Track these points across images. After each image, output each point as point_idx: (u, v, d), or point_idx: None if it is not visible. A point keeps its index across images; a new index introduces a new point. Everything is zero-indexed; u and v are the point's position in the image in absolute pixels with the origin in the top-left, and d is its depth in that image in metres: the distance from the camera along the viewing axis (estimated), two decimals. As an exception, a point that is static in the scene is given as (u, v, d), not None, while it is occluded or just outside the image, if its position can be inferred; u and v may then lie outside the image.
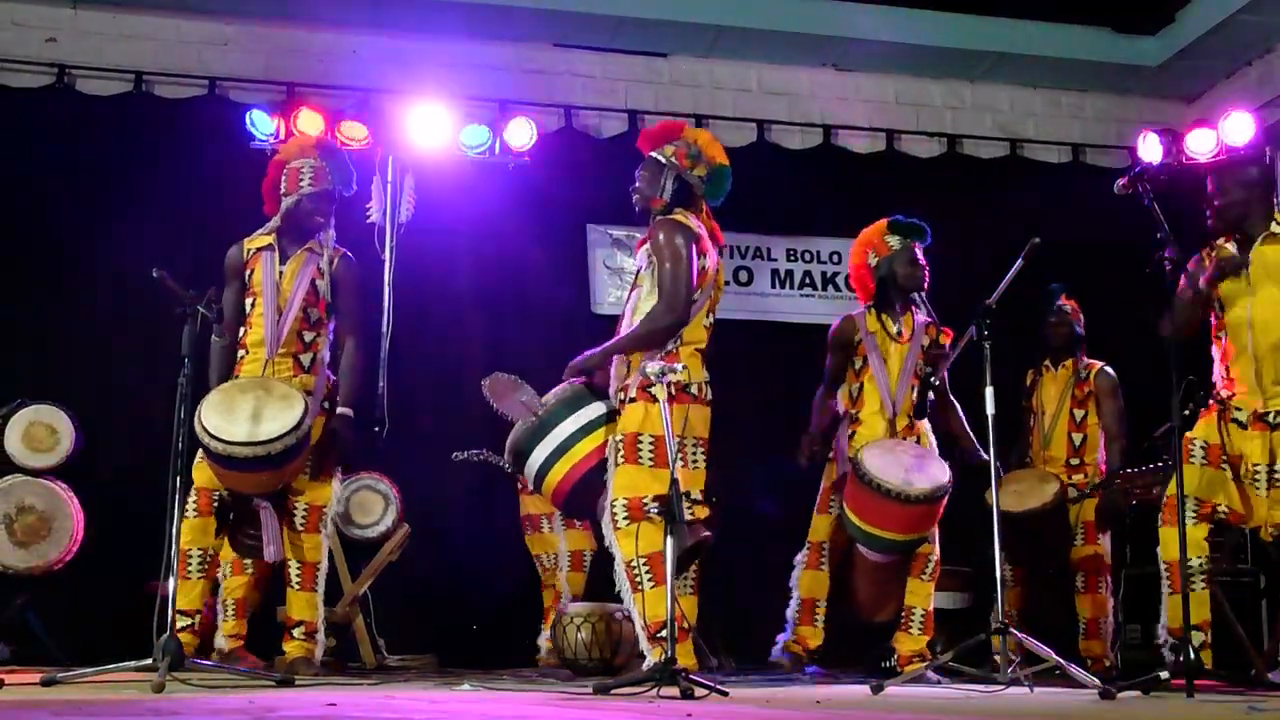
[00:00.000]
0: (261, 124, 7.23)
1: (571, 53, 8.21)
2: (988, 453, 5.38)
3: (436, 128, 7.48)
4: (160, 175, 7.28)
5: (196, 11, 7.72)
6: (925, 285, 5.94)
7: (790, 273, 8.18)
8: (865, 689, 4.84)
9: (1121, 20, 8.27)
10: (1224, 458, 4.94)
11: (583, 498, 4.92)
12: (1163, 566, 5.02)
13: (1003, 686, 4.85)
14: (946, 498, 5.50)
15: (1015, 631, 4.91)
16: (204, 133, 7.31)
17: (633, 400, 4.79)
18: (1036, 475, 6.38)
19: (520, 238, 7.60)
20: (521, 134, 7.56)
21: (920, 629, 5.72)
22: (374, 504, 6.41)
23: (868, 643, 6.35)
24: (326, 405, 5.36)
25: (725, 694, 4.30)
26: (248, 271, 5.40)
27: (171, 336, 4.78)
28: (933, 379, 5.68)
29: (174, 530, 4.59)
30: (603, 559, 5.41)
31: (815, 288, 8.18)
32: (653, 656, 4.74)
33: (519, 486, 6.38)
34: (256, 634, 5.79)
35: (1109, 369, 6.57)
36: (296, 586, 5.31)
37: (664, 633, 4.47)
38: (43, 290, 7.12)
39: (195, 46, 7.73)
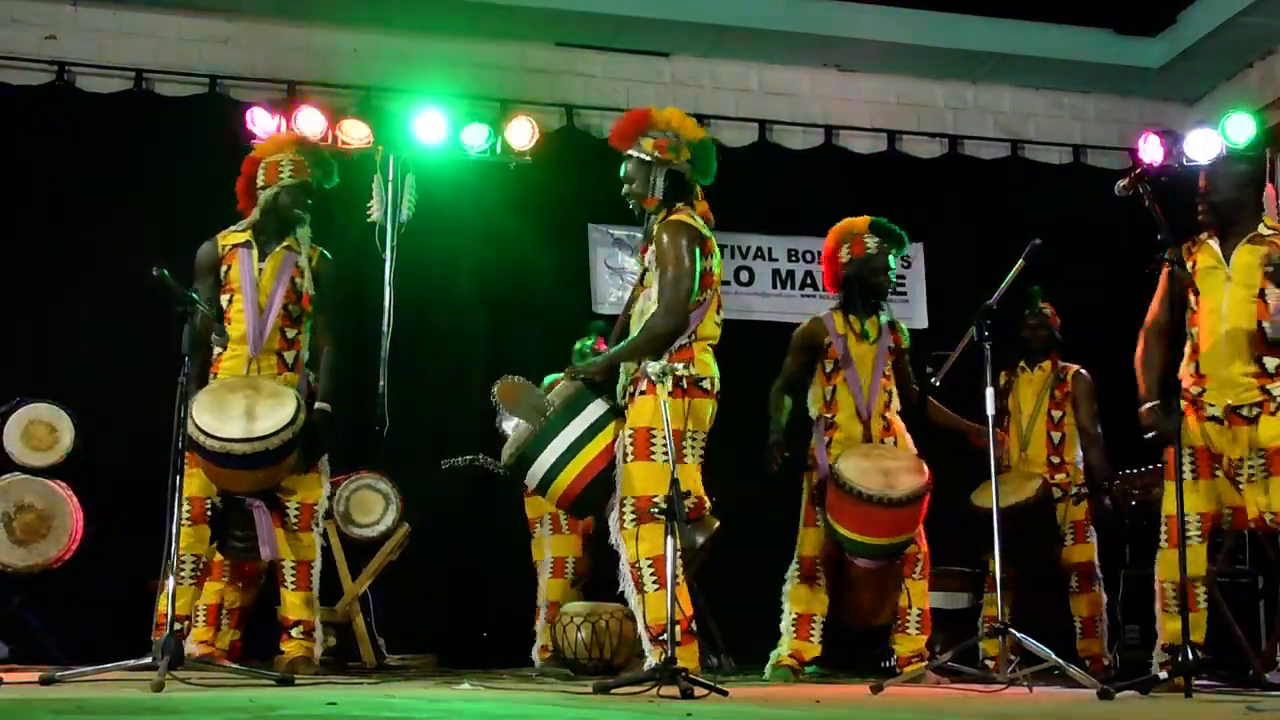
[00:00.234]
0: (262, 122, 7.22)
1: (573, 52, 8.21)
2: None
3: (438, 127, 7.47)
4: (160, 173, 7.28)
5: (197, 9, 7.72)
6: (888, 291, 5.92)
7: (791, 273, 8.18)
8: (865, 689, 4.84)
9: (1123, 22, 8.27)
10: (1212, 459, 4.92)
11: (593, 498, 4.89)
12: (1166, 586, 4.98)
13: (1002, 687, 4.85)
14: (927, 497, 5.50)
15: (1014, 632, 4.90)
16: (204, 131, 7.30)
17: (643, 393, 4.76)
18: (1019, 474, 6.39)
19: (521, 237, 7.60)
20: (523, 133, 7.55)
21: (917, 628, 5.71)
22: (374, 503, 6.41)
23: (867, 643, 6.36)
24: (307, 402, 5.34)
25: (725, 694, 4.30)
26: (223, 267, 5.33)
27: (171, 335, 4.78)
28: (934, 380, 5.68)
29: (173, 529, 4.59)
30: (604, 561, 5.40)
31: (816, 288, 8.17)
32: (653, 657, 4.73)
33: (525, 490, 6.38)
34: (256, 634, 5.79)
35: (1084, 371, 6.58)
36: (292, 586, 5.28)
37: (675, 630, 4.49)
38: (42, 288, 7.12)
39: (196, 44, 7.73)
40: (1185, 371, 5.04)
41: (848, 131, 8.42)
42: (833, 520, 5.53)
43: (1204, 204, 4.98)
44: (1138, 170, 5.11)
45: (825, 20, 8.12)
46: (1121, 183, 4.96)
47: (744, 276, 8.16)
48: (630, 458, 4.75)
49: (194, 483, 5.15)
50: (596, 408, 4.85)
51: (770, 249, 8.19)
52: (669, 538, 4.45)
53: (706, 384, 4.84)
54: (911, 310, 8.26)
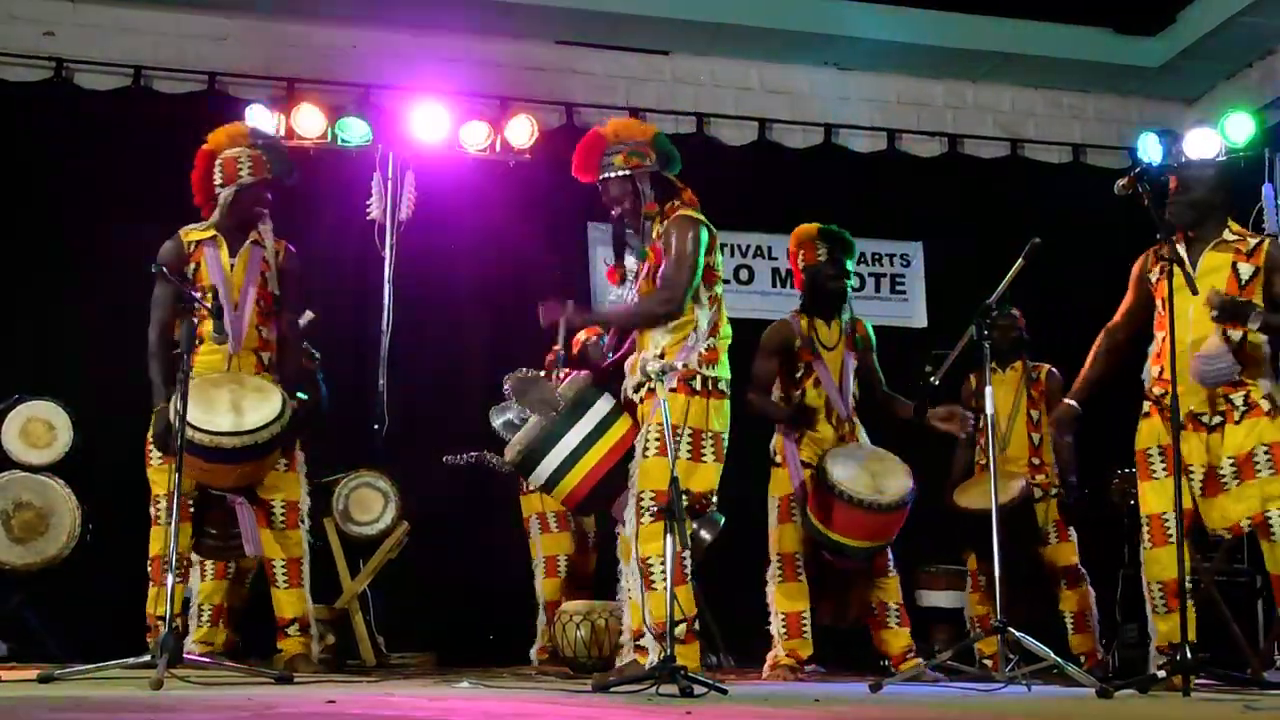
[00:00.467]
0: (262, 119, 7.22)
1: (573, 50, 8.20)
2: (987, 454, 5.38)
3: (437, 124, 7.48)
4: (159, 171, 7.25)
5: (196, 6, 7.71)
6: (846, 296, 5.93)
7: (791, 272, 8.15)
8: (864, 687, 4.84)
9: (1123, 21, 8.26)
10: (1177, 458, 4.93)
11: (600, 498, 4.89)
12: (1155, 587, 4.99)
13: (1000, 685, 4.85)
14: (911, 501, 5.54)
15: (1013, 631, 4.91)
16: (203, 128, 7.25)
17: (673, 390, 4.74)
18: (1002, 474, 6.38)
19: (521, 235, 7.60)
20: (522, 131, 7.55)
21: (898, 622, 5.76)
22: (373, 501, 6.41)
23: (866, 642, 6.36)
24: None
25: (724, 692, 4.30)
26: (191, 265, 5.24)
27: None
28: (933, 379, 5.67)
29: (172, 527, 4.58)
30: (608, 560, 5.41)
31: (815, 287, 8.18)
32: (638, 656, 4.77)
33: (522, 487, 6.38)
34: (252, 633, 5.78)
35: (1055, 370, 6.60)
36: (284, 585, 5.26)
37: (679, 629, 4.49)
38: (40, 286, 7.11)
39: (195, 41, 7.72)
40: (1151, 373, 5.06)
41: (847, 130, 8.42)
42: (817, 521, 5.54)
43: (1174, 206, 4.98)
44: (1137, 170, 5.11)
45: (825, 19, 8.12)
46: (1121, 182, 4.96)
47: (743, 275, 8.16)
48: (654, 453, 4.73)
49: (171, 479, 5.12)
50: (603, 405, 4.83)
51: (770, 247, 8.19)
52: (668, 536, 4.45)
53: (724, 385, 4.88)
54: (910, 309, 8.28)
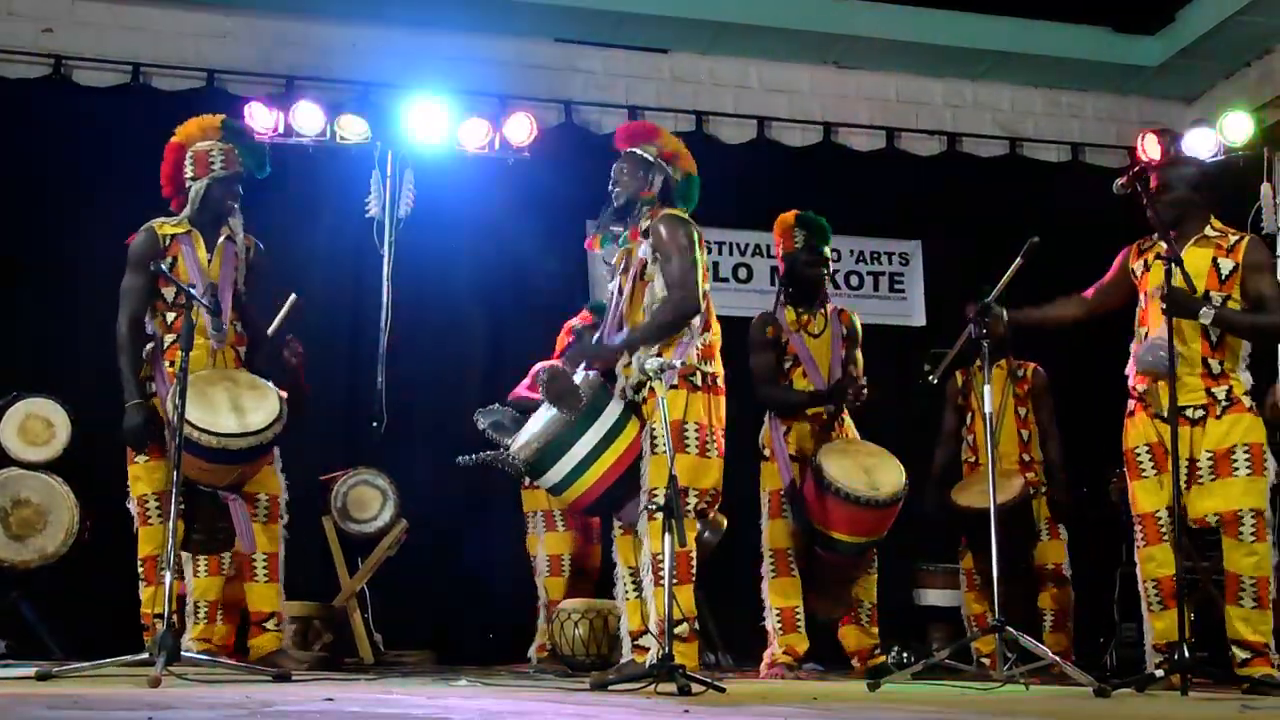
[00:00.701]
0: (260, 117, 7.22)
1: (572, 48, 8.20)
2: (985, 453, 5.40)
3: (436, 122, 7.46)
4: (157, 168, 7.25)
5: (195, 3, 7.70)
6: (824, 284, 5.95)
7: (789, 270, 8.16)
8: (862, 685, 4.84)
9: (1122, 20, 8.27)
10: (1166, 455, 4.90)
11: (609, 502, 4.88)
12: (1149, 586, 5.00)
13: (998, 684, 4.86)
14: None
15: (1012, 630, 4.91)
16: (202, 126, 7.28)
17: (674, 387, 4.75)
18: (999, 472, 6.38)
19: (519, 234, 7.60)
20: (521, 129, 7.54)
21: (868, 619, 5.80)
22: (371, 499, 6.41)
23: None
24: None
25: (722, 690, 4.30)
26: (168, 259, 5.20)
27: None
28: (932, 377, 5.68)
29: (171, 525, 4.58)
30: (606, 565, 5.41)
31: (814, 285, 8.18)
32: (636, 655, 4.79)
33: (523, 482, 6.37)
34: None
35: (1040, 369, 6.61)
36: (264, 579, 5.23)
37: (681, 629, 4.50)
38: (38, 283, 7.11)
39: (193, 38, 7.71)
40: (1134, 370, 5.07)
41: (846, 128, 8.42)
42: (815, 519, 5.54)
43: (1158, 203, 4.99)
44: (1136, 169, 5.12)
45: (824, 17, 8.12)
46: (1120, 181, 4.98)
47: (742, 273, 8.16)
48: (664, 449, 4.71)
49: (159, 478, 5.11)
50: (615, 408, 4.81)
51: (768, 246, 8.16)
52: (667, 535, 4.45)
53: (721, 381, 4.92)
54: (909, 308, 8.28)
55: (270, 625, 5.26)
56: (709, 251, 8.01)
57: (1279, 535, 5.01)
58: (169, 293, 5.20)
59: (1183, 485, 4.86)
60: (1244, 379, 4.96)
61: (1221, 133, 7.64)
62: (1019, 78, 8.64)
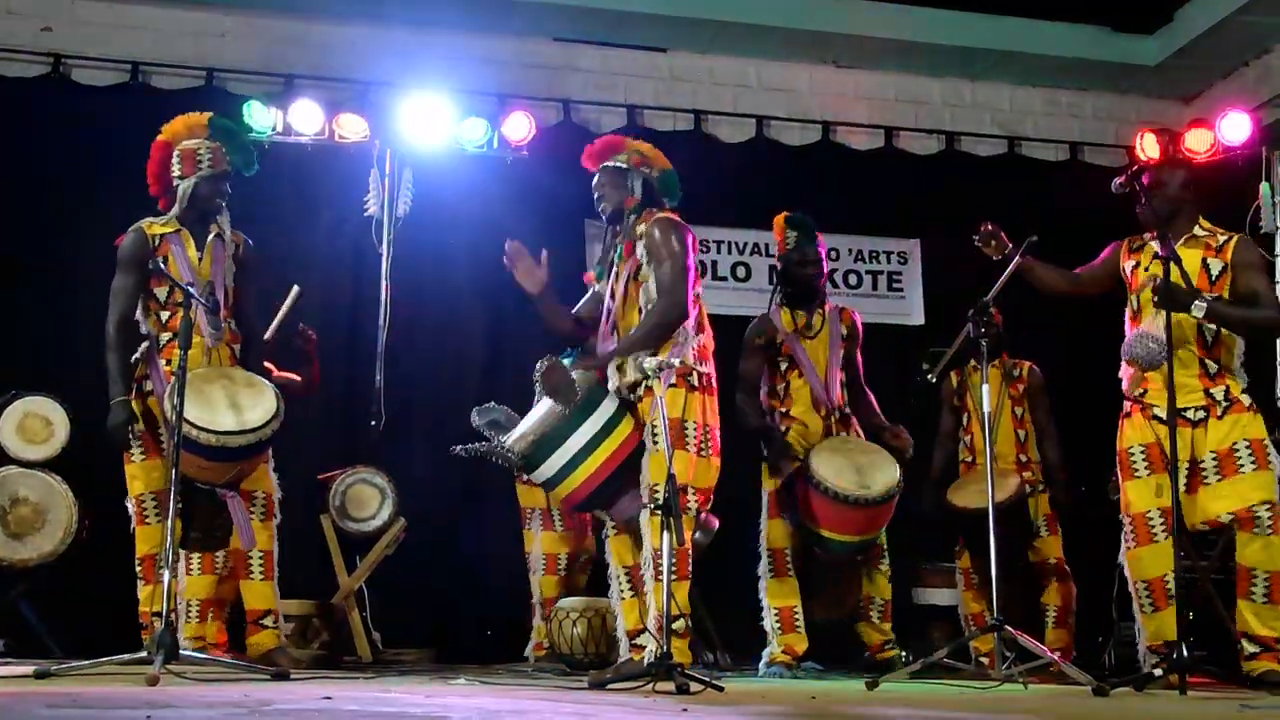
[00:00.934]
0: (259, 116, 7.22)
1: (571, 47, 8.20)
2: (982, 453, 5.40)
3: (435, 121, 7.47)
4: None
5: (194, 2, 7.69)
6: (820, 283, 5.94)
7: (788, 270, 8.16)
8: (861, 684, 4.84)
9: (1120, 19, 8.27)
10: (1163, 456, 4.91)
11: (600, 499, 4.89)
12: (1140, 587, 5.00)
13: (997, 683, 4.86)
14: (898, 493, 5.52)
15: (1009, 628, 4.91)
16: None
17: (673, 386, 4.79)
18: (995, 472, 6.38)
19: (518, 232, 7.56)
20: (520, 128, 7.55)
21: (880, 617, 5.79)
22: (370, 498, 6.41)
23: (861, 639, 6.36)
24: None
25: (721, 689, 4.30)
26: (159, 259, 5.20)
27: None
28: (930, 376, 5.68)
29: (169, 523, 4.58)
30: (599, 563, 5.41)
31: (812, 284, 8.18)
32: (634, 654, 4.81)
33: (520, 479, 6.37)
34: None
35: (1036, 368, 6.61)
36: (260, 577, 5.24)
37: (677, 625, 4.50)
38: (37, 281, 7.10)
39: (192, 37, 7.71)
40: (1128, 372, 5.07)
41: (845, 128, 8.41)
42: (805, 517, 5.54)
43: (1149, 203, 5.00)
44: (1134, 168, 5.12)
45: (823, 16, 8.12)
46: (1118, 180, 4.98)
47: (740, 272, 8.16)
48: (662, 446, 4.73)
49: (156, 477, 5.11)
50: (609, 405, 4.83)
51: (766, 245, 8.17)
52: (665, 534, 4.46)
53: (714, 381, 4.97)
54: (908, 307, 8.28)
55: (268, 623, 5.26)
56: (707, 251, 8.10)
57: None
58: (162, 292, 5.21)
59: (1183, 487, 4.87)
60: (1241, 379, 4.97)
61: (1220, 132, 7.65)
62: (1018, 77, 8.64)
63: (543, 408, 4.80)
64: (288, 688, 4.28)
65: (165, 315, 5.20)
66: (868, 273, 8.25)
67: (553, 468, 4.78)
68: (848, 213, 7.79)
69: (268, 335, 5.35)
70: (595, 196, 5.20)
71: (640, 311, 4.94)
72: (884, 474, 5.49)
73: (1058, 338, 7.14)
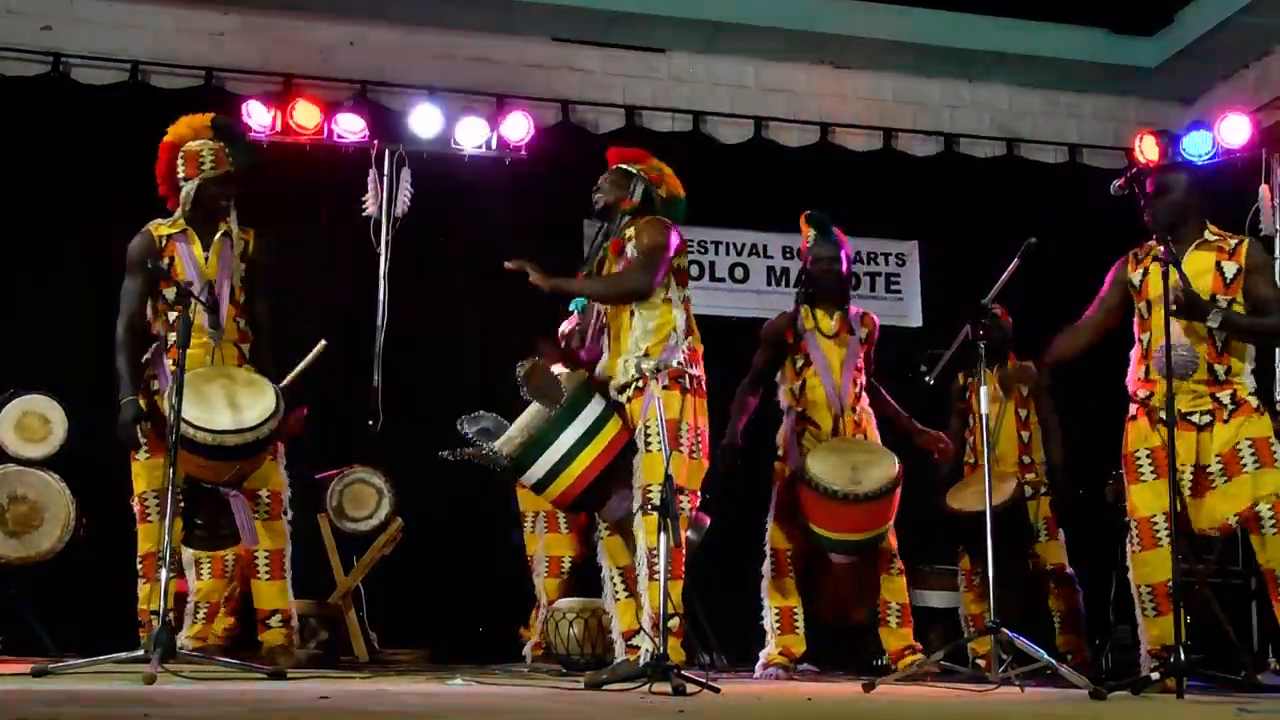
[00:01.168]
0: (258, 115, 7.21)
1: (569, 47, 8.20)
2: (980, 454, 5.39)
3: (433, 121, 7.47)
4: (154, 166, 7.25)
5: (194, 1, 7.69)
6: (840, 283, 5.92)
7: (786, 270, 8.17)
8: (857, 687, 4.84)
9: (1119, 21, 8.27)
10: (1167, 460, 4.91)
11: (591, 498, 4.90)
12: (1144, 590, 4.99)
13: (993, 686, 4.86)
14: (897, 491, 5.49)
15: (1007, 631, 4.91)
16: (200, 123, 7.27)
17: (666, 388, 4.80)
18: (994, 475, 6.37)
19: (516, 232, 7.59)
20: (518, 128, 7.55)
21: (899, 621, 5.74)
22: (367, 497, 6.41)
23: (859, 641, 6.36)
24: None
25: (717, 690, 4.30)
26: (165, 260, 5.22)
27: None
28: (927, 378, 5.68)
29: (167, 522, 4.58)
30: (591, 564, 5.41)
31: (811, 285, 8.18)
32: (630, 655, 4.80)
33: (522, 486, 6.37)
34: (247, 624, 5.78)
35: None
36: (266, 576, 5.23)
37: (672, 623, 4.51)
38: (36, 279, 7.11)
39: (192, 36, 7.71)
40: (1134, 376, 5.06)
41: (844, 129, 8.41)
42: (802, 516, 5.54)
43: (1154, 208, 4.98)
44: (1133, 170, 5.11)
45: (822, 17, 8.12)
46: (1117, 182, 4.97)
47: (739, 273, 8.16)
48: (656, 447, 4.75)
49: (159, 475, 5.10)
50: (595, 406, 4.85)
51: (765, 246, 8.19)
52: (662, 533, 4.46)
53: (704, 384, 4.98)
54: (906, 308, 8.28)
55: (274, 622, 5.26)
56: (705, 252, 8.11)
57: None
58: (170, 293, 5.23)
59: (1187, 492, 4.87)
60: (1248, 382, 4.94)
61: (1219, 134, 7.65)
62: (1017, 78, 8.64)
63: (530, 411, 4.82)
64: (284, 687, 4.28)
65: (172, 316, 5.21)
66: (866, 274, 8.25)
67: (541, 469, 4.79)
68: (846, 214, 7.70)
69: (284, 383, 5.31)
70: (593, 189, 5.20)
71: (631, 314, 4.96)
72: (878, 471, 5.46)
73: (1107, 338, 7.08)
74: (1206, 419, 4.90)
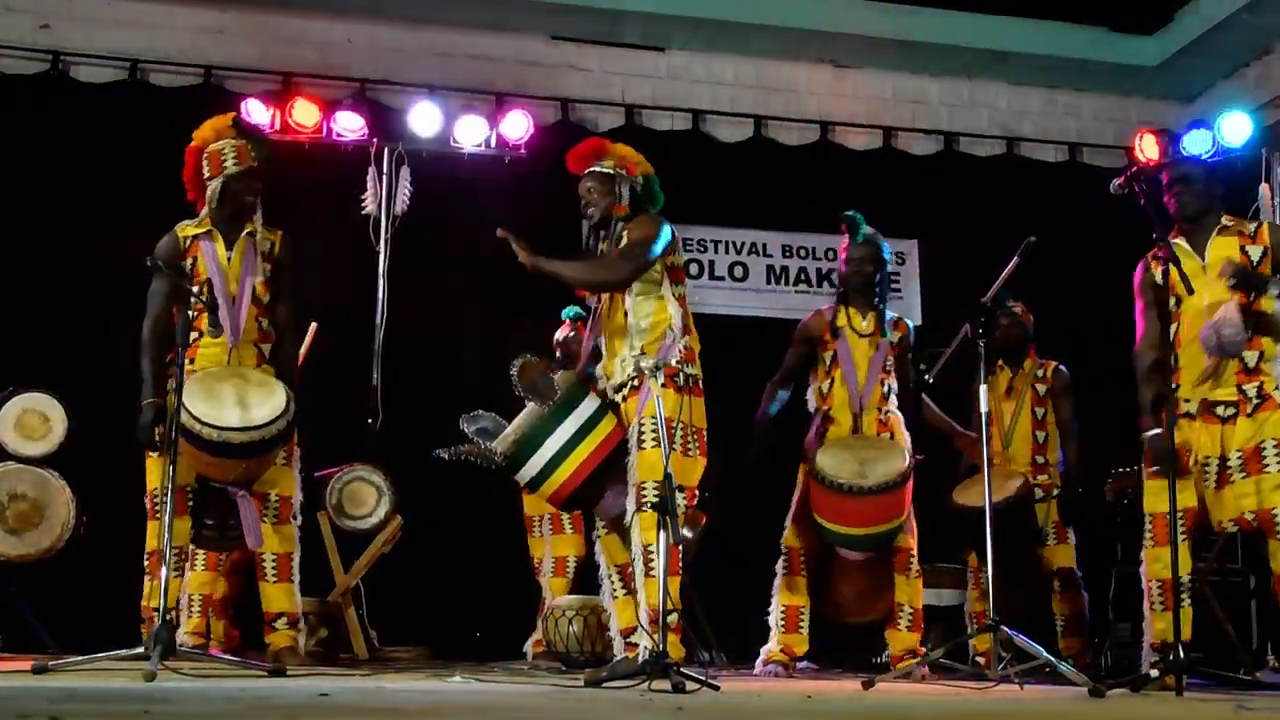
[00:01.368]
0: (257, 114, 7.21)
1: (569, 46, 8.20)
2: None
3: (432, 120, 7.47)
4: (154, 164, 7.23)
5: (193, -1, 7.71)
6: (870, 284, 5.87)
7: (785, 269, 8.18)
8: (856, 685, 4.85)
9: (1120, 20, 8.27)
10: (1187, 455, 4.88)
11: (586, 495, 4.91)
12: (1153, 584, 4.98)
13: (993, 684, 4.86)
14: (907, 485, 5.48)
15: (1006, 629, 4.91)
16: (198, 122, 7.25)
17: (661, 386, 4.79)
18: (1001, 473, 6.35)
19: (515, 231, 7.57)
20: (517, 127, 7.55)
21: (909, 625, 5.71)
22: (367, 495, 6.41)
23: (858, 639, 6.37)
24: None
25: (716, 688, 4.30)
26: (188, 260, 5.25)
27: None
28: (926, 377, 5.68)
29: (166, 520, 4.58)
30: (589, 563, 5.41)
31: (810, 284, 8.18)
32: (629, 652, 4.81)
33: (522, 486, 6.37)
34: (245, 625, 5.78)
35: (1063, 368, 6.57)
36: (273, 579, 5.25)
37: (670, 619, 4.51)
38: (35, 278, 7.11)
39: (191, 34, 7.71)
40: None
41: (843, 128, 8.41)
42: (815, 513, 5.55)
43: (1181, 198, 4.98)
44: (1133, 169, 5.11)
45: (822, 16, 8.12)
46: (1117, 181, 4.96)
47: (738, 272, 8.16)
48: (650, 444, 4.76)
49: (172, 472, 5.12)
50: (589, 404, 4.87)
51: (765, 244, 8.19)
52: (661, 531, 4.47)
53: (701, 383, 4.97)
54: (906, 307, 8.27)
55: (280, 625, 5.27)
56: (704, 250, 8.11)
57: None
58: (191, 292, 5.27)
59: (1211, 486, 4.85)
60: (1276, 374, 4.92)
61: (1220, 133, 7.65)
62: (1017, 77, 8.64)
63: (526, 409, 4.84)
64: (284, 684, 4.28)
65: (193, 316, 5.23)
66: (865, 273, 8.24)
67: (535, 467, 4.81)
68: (845, 212, 7.76)
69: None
70: (582, 202, 5.19)
71: (626, 314, 4.97)
72: (885, 465, 5.43)
73: (1073, 337, 7.09)
74: (1231, 411, 4.87)
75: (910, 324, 6.01)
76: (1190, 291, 4.81)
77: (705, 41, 8.25)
